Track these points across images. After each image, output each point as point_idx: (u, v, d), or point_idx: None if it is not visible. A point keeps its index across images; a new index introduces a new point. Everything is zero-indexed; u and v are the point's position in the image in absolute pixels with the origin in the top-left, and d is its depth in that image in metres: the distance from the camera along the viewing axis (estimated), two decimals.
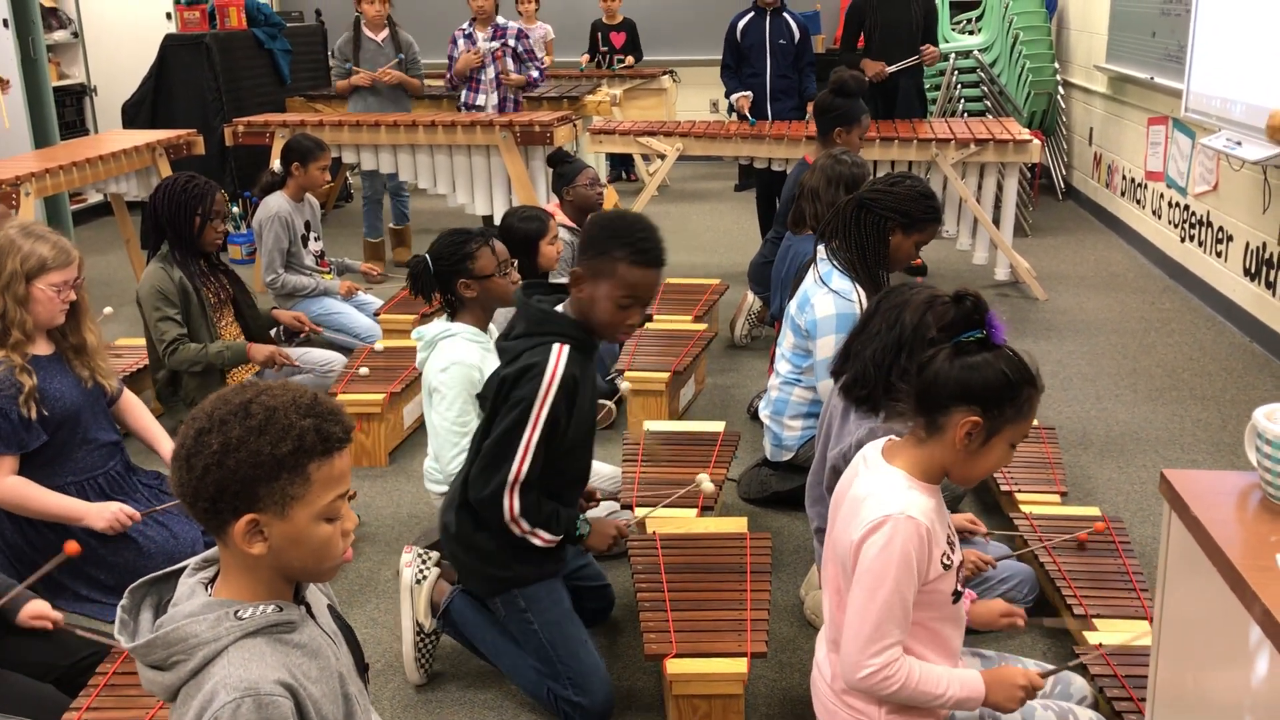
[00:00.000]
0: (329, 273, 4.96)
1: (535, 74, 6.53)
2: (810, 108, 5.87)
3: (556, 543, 2.49)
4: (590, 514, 3.16)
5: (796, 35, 5.80)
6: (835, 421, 2.57)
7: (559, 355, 2.36)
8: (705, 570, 2.68)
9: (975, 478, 1.94)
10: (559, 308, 2.46)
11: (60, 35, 7.74)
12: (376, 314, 4.86)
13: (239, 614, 1.43)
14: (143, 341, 4.08)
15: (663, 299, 4.82)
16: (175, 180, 3.82)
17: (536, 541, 2.46)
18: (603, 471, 3.40)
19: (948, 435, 1.86)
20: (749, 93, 5.85)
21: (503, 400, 2.41)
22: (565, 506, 2.54)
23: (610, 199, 7.66)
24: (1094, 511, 3.10)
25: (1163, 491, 1.73)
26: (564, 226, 4.60)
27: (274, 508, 1.42)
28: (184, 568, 1.54)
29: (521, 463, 2.37)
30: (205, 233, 3.82)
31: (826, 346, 3.16)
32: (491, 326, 3.23)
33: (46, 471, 2.92)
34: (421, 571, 2.68)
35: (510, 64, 6.45)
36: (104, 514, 2.87)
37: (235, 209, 6.70)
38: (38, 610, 2.49)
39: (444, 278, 3.02)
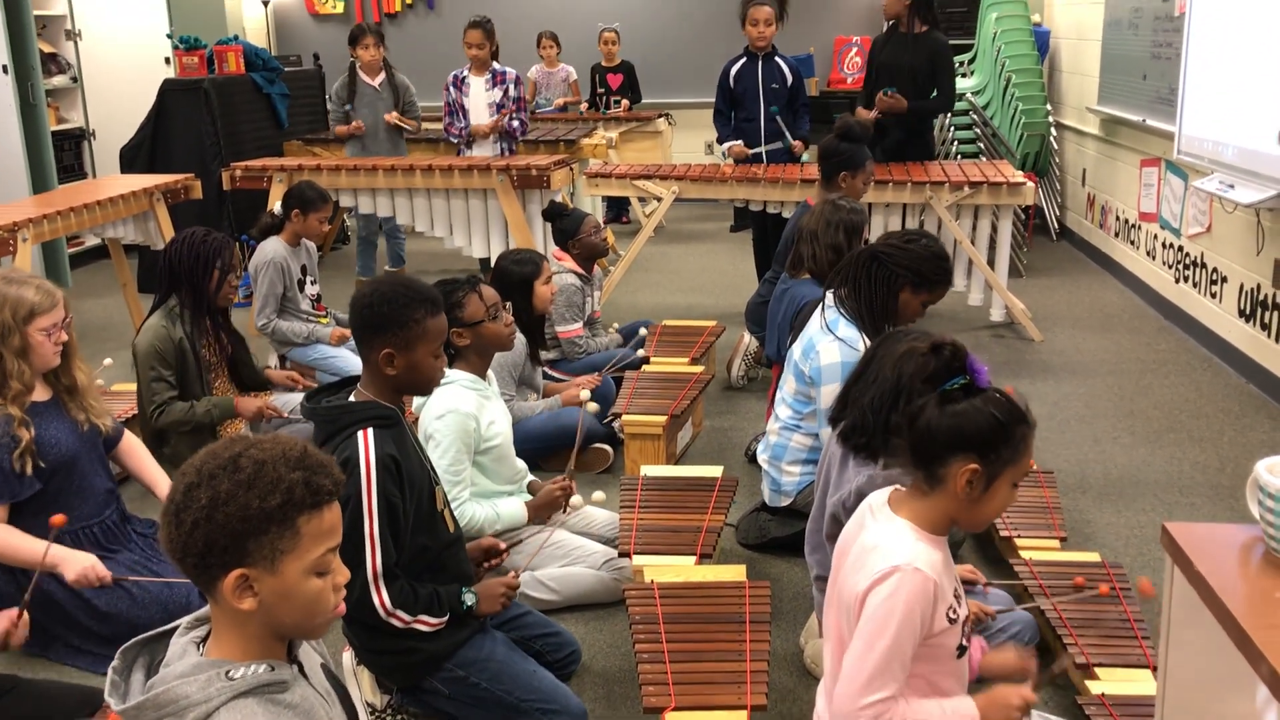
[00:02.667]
0: (325, 317, 4.96)
1: (516, 124, 6.55)
2: (796, 148, 5.88)
3: (444, 623, 2.45)
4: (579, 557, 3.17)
5: (789, 79, 5.83)
6: (834, 468, 2.56)
7: (366, 441, 2.33)
8: (704, 620, 2.65)
9: (983, 523, 1.93)
10: (351, 397, 2.43)
11: (59, 80, 7.79)
12: None
13: (230, 674, 1.42)
14: (135, 387, 4.06)
15: (660, 341, 4.82)
16: (193, 233, 3.79)
17: (423, 628, 2.41)
18: (599, 517, 3.39)
19: (949, 486, 1.85)
20: (739, 141, 5.87)
21: None
22: (451, 574, 2.50)
23: (606, 241, 7.68)
24: (1094, 557, 3.09)
25: (1164, 545, 1.72)
26: (573, 272, 4.62)
27: (263, 562, 1.41)
28: (176, 627, 1.53)
29: (373, 556, 2.32)
30: (222, 287, 3.81)
31: (830, 394, 3.15)
32: (490, 373, 3.22)
33: (41, 519, 2.89)
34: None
35: (508, 117, 6.49)
36: (76, 565, 2.83)
37: None
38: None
39: None
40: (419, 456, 2.47)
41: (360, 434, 2.34)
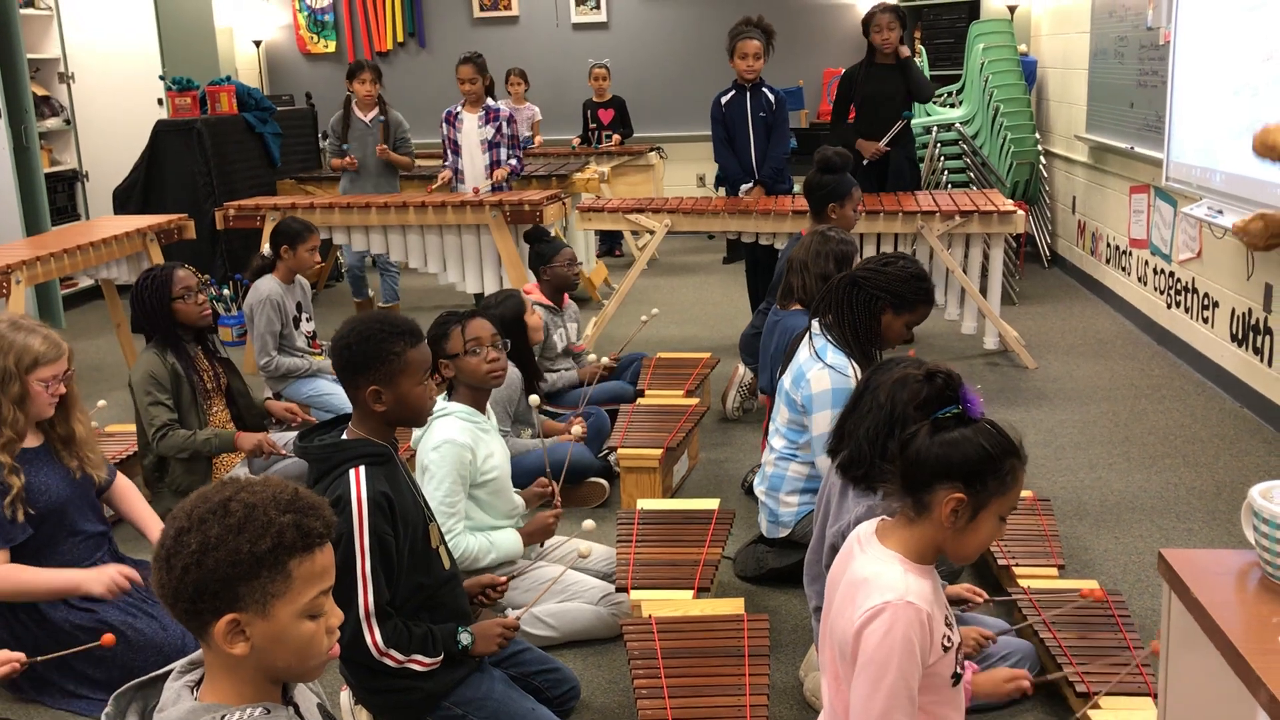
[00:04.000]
0: (320, 353, 4.96)
1: (514, 163, 6.59)
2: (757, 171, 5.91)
3: (439, 663, 2.43)
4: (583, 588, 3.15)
5: (775, 106, 5.87)
6: (833, 499, 2.56)
7: (358, 479, 2.33)
8: (703, 654, 2.64)
9: (969, 555, 1.92)
10: (344, 435, 2.43)
11: (53, 122, 7.82)
12: None
13: (224, 719, 1.41)
14: (133, 427, 4.07)
15: (654, 374, 4.82)
16: (140, 284, 3.88)
17: (417, 668, 2.39)
18: (594, 553, 3.37)
19: (935, 514, 1.85)
20: (750, 183, 5.89)
21: None
22: (448, 611, 2.49)
23: (600, 274, 7.71)
24: (1092, 584, 3.08)
25: (1161, 572, 1.72)
26: (540, 305, 4.62)
27: (255, 606, 1.41)
28: (170, 671, 1.52)
29: (365, 595, 2.31)
30: (187, 313, 3.84)
31: (823, 422, 3.16)
32: (490, 407, 3.21)
33: (32, 564, 2.88)
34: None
35: (503, 153, 6.53)
36: (101, 578, 2.82)
37: (226, 291, 6.73)
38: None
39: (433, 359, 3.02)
40: (413, 493, 2.47)
41: (352, 472, 2.34)
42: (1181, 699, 1.72)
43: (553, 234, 5.32)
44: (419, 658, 2.39)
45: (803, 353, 3.26)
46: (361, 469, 2.34)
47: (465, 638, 2.48)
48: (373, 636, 2.33)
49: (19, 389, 2.80)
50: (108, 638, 2.53)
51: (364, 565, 2.30)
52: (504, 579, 2.80)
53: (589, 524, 3.02)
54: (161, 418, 3.76)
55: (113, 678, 2.81)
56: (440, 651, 2.43)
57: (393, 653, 2.36)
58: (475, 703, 2.47)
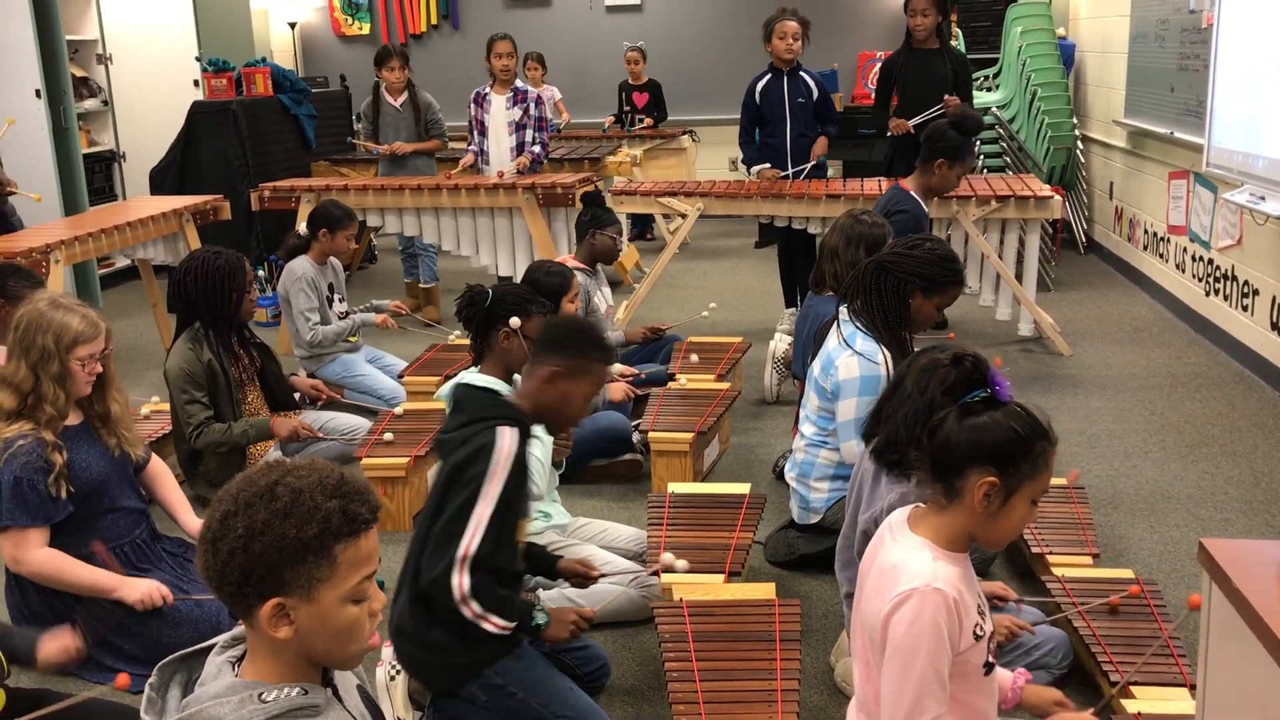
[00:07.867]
0: (354, 335, 5.01)
1: (537, 149, 6.55)
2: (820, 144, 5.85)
3: (510, 630, 2.44)
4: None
5: (815, 93, 5.82)
6: (866, 485, 2.54)
7: (509, 437, 2.39)
8: (734, 638, 2.64)
9: (1002, 539, 1.91)
10: (507, 394, 2.50)
11: (91, 103, 7.89)
12: (400, 376, 4.87)
13: (263, 697, 1.42)
14: (168, 406, 4.10)
15: (685, 358, 4.82)
16: (203, 260, 3.85)
17: (489, 627, 2.41)
18: (623, 534, 3.38)
19: (967, 499, 1.84)
20: (768, 164, 5.85)
21: (454, 483, 2.41)
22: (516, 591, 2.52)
23: (631, 257, 7.70)
24: (1127, 574, 3.05)
25: (1201, 561, 1.70)
26: (576, 269, 4.63)
27: (300, 591, 1.41)
28: (214, 645, 1.53)
29: (471, 538, 2.33)
30: (247, 307, 3.87)
31: (849, 409, 3.15)
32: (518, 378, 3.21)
33: (72, 540, 2.92)
34: (394, 666, 2.59)
35: (529, 135, 6.51)
36: (138, 588, 2.87)
37: (261, 272, 6.77)
38: (58, 645, 2.43)
39: (494, 317, 2.97)
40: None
41: (506, 429, 2.40)
42: (1221, 689, 1.70)
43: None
44: (494, 618, 2.41)
45: (831, 339, 3.24)
46: (515, 430, 2.41)
47: (541, 617, 2.50)
48: (460, 579, 2.35)
49: (59, 367, 2.83)
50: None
51: (482, 511, 2.34)
52: (597, 573, 2.83)
53: (683, 564, 2.91)
54: (198, 416, 3.78)
55: (149, 653, 2.85)
56: (516, 619, 2.45)
57: (473, 603, 2.37)
58: (516, 674, 2.48)
